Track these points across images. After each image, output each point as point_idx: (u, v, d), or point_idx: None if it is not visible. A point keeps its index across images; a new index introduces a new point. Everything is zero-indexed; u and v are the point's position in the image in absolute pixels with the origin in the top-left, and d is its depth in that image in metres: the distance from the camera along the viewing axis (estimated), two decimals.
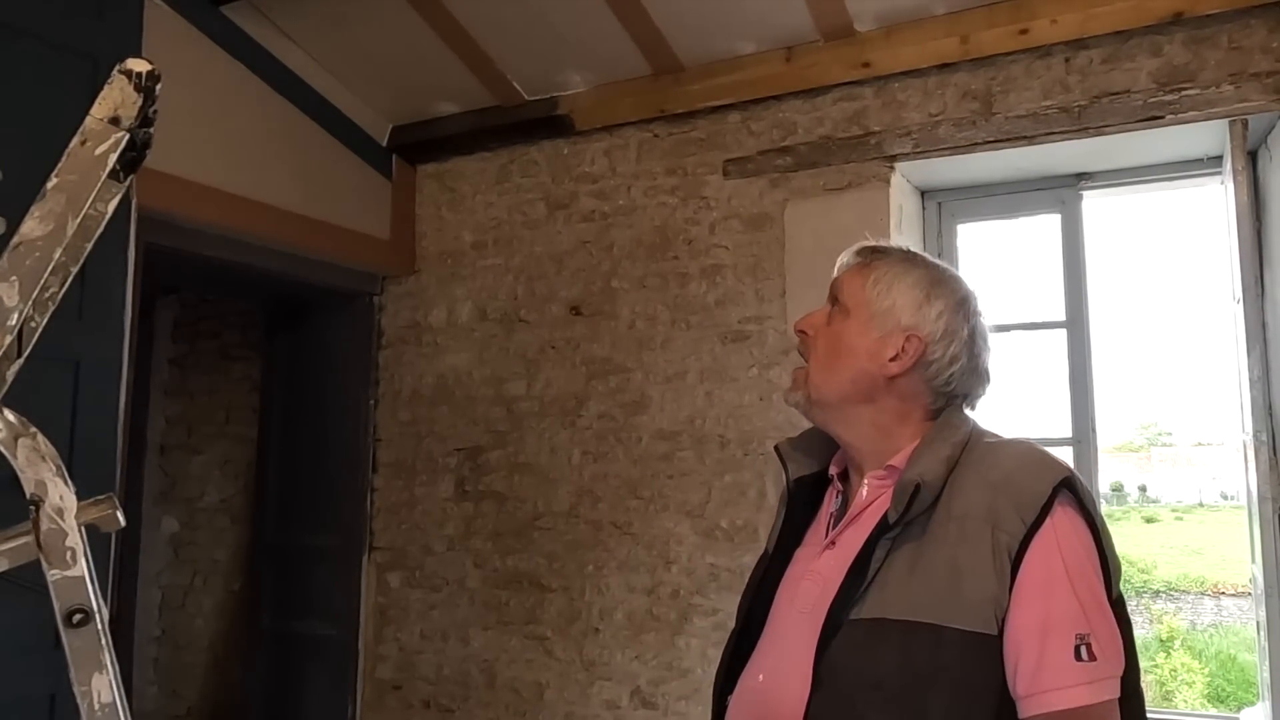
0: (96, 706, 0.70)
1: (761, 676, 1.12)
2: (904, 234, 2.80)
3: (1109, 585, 1.04)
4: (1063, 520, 1.02)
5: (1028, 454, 1.08)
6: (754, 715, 1.11)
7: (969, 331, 1.16)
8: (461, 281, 3.44)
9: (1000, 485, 1.03)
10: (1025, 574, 0.99)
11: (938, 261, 1.24)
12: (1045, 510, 1.01)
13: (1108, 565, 1.05)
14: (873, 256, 1.21)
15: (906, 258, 1.20)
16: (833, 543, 1.14)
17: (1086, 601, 0.99)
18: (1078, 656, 0.97)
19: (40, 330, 0.77)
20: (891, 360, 1.14)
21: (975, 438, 1.13)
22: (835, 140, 2.82)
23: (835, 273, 1.23)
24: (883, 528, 1.05)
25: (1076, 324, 2.76)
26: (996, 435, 1.15)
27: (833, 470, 1.23)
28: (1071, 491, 1.03)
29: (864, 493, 1.15)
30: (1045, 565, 0.99)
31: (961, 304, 1.17)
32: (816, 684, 1.02)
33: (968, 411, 1.19)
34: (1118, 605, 1.05)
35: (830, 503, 1.22)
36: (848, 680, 1.01)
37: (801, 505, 1.23)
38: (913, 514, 1.04)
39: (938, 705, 0.97)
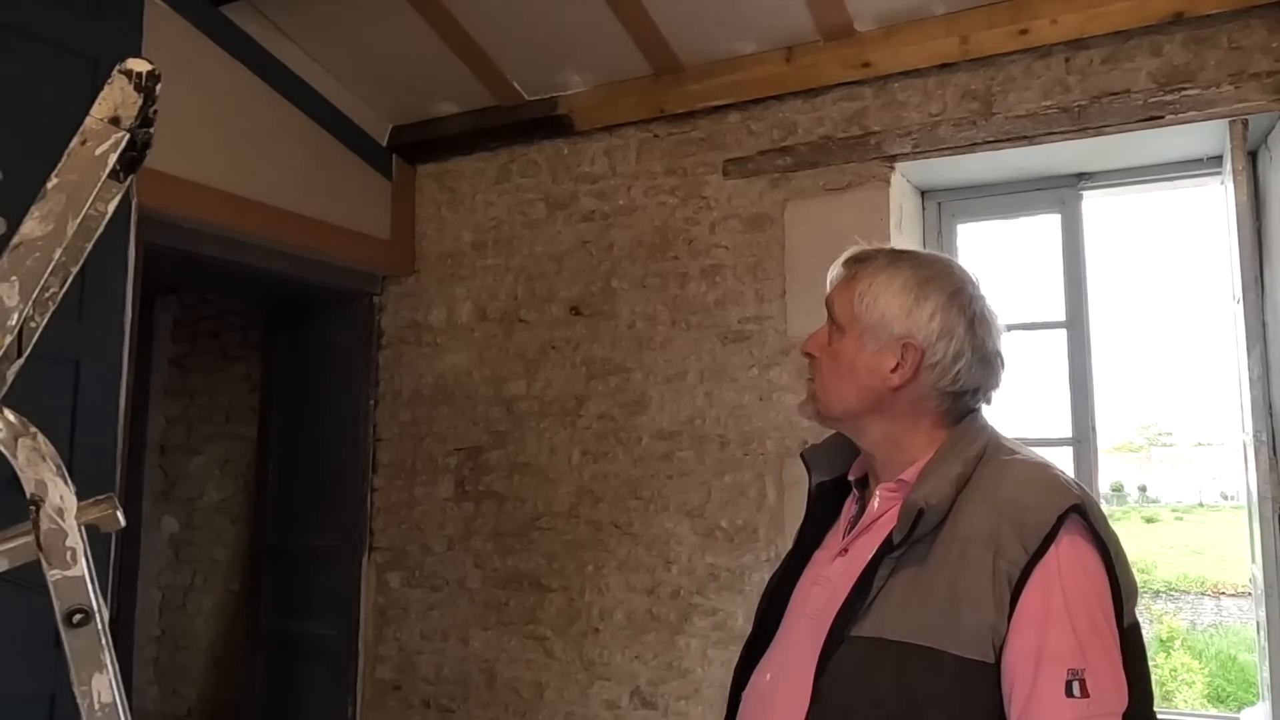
0: (96, 706, 0.70)
1: (769, 676, 1.14)
2: (904, 234, 2.79)
3: (1120, 613, 1.01)
4: (1068, 549, 0.99)
5: (1036, 476, 1.05)
6: (759, 714, 1.13)
7: (968, 322, 1.12)
8: (461, 281, 3.44)
9: (1004, 509, 1.01)
10: (1024, 604, 0.97)
11: (928, 254, 1.21)
12: (1049, 538, 0.98)
13: (1120, 593, 1.01)
14: (857, 266, 1.18)
15: (891, 261, 1.16)
16: (844, 550, 1.14)
17: (1085, 636, 0.97)
18: (1069, 692, 0.94)
19: (40, 330, 0.77)
20: (893, 371, 1.11)
21: (991, 452, 1.10)
22: (835, 140, 2.81)
23: (827, 288, 1.21)
24: (887, 547, 1.04)
25: (1076, 324, 2.76)
26: (1015, 448, 1.12)
27: (852, 476, 1.23)
28: (1082, 517, 1.00)
29: (875, 504, 1.15)
30: (1044, 596, 0.97)
31: (955, 296, 1.13)
32: (816, 697, 1.03)
33: (986, 418, 1.16)
34: (1130, 633, 1.02)
35: (849, 509, 1.21)
36: (847, 697, 1.01)
37: (825, 510, 1.24)
38: (917, 535, 1.02)
39: None
